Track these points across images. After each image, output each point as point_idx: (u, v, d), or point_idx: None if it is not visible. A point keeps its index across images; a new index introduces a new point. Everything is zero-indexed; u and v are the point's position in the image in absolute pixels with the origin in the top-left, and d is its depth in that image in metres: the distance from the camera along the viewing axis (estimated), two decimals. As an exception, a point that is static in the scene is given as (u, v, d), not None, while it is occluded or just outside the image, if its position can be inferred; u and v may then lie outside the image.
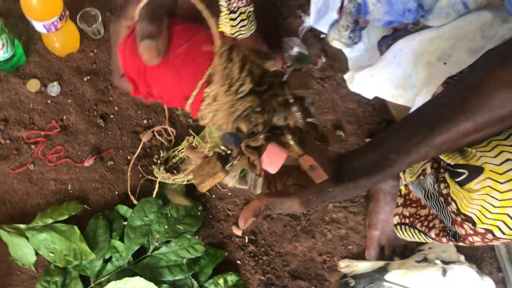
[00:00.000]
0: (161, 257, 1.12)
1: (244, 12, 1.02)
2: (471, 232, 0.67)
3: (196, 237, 1.14)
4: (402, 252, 1.17)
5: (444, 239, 0.76)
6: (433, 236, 0.80)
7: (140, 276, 1.08)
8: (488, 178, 0.61)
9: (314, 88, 1.33)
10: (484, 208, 0.62)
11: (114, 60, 0.52)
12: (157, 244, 1.12)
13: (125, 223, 1.15)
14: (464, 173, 0.63)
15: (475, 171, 0.62)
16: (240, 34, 1.08)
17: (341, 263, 1.18)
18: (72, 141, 1.25)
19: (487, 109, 0.55)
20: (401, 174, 0.91)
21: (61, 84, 1.30)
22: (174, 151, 1.22)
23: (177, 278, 1.11)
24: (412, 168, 0.86)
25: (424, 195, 0.78)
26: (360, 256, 1.19)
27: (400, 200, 0.95)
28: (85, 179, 1.22)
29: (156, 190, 1.17)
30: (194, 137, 1.22)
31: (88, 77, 1.30)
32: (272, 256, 1.18)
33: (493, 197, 0.61)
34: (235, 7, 0.99)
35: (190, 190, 1.19)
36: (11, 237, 1.13)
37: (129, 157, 1.24)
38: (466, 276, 1.09)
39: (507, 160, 0.59)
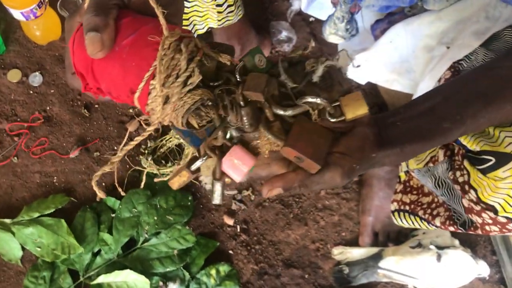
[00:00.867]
0: (151, 249, 1.10)
1: (230, -3, 0.99)
2: (490, 221, 0.65)
3: (187, 227, 1.12)
4: (396, 238, 1.15)
5: (451, 228, 0.74)
6: (438, 224, 0.78)
7: (130, 269, 1.06)
8: None
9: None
10: (511, 196, 0.60)
11: (67, 56, 0.50)
12: (146, 236, 1.10)
13: (113, 215, 1.13)
14: (490, 160, 0.61)
15: (504, 159, 0.59)
16: (227, 20, 1.05)
17: (335, 250, 1.16)
18: (57, 132, 1.21)
19: None
20: None
21: (43, 73, 1.26)
22: (161, 141, 1.19)
23: (168, 269, 1.08)
24: (418, 155, 0.83)
25: (434, 183, 0.76)
26: (353, 242, 1.17)
27: (399, 187, 0.93)
28: (71, 171, 1.19)
29: (144, 181, 1.14)
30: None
31: (71, 66, 1.26)
32: (264, 245, 1.17)
33: None
34: (220, -8, 0.95)
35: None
36: (-4, 233, 1.10)
37: (115, 148, 1.21)
38: (460, 260, 1.08)
39: None
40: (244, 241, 1.16)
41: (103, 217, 1.12)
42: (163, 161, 1.18)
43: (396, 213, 0.93)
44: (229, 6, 1.03)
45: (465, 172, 0.66)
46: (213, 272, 1.11)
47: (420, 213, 0.85)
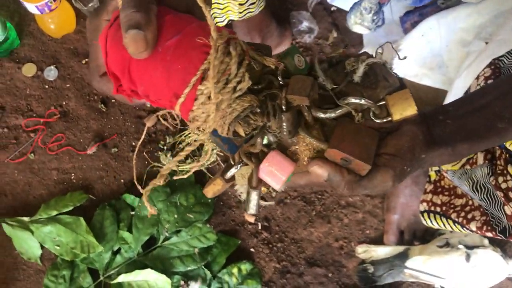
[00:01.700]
0: (172, 247, 1.08)
1: (252, -12, 0.95)
2: None
3: (207, 225, 1.10)
4: (422, 236, 1.12)
5: (489, 233, 0.70)
6: (474, 229, 0.74)
7: (151, 267, 1.04)
8: None
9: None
10: None
11: (93, 57, 0.45)
12: (167, 234, 1.08)
13: (133, 213, 1.10)
14: None
15: None
16: (249, 12, 1.01)
17: (359, 249, 1.13)
18: (73, 128, 1.19)
19: None
20: None
21: (58, 67, 1.23)
22: (180, 136, 1.16)
23: (189, 268, 1.06)
24: None
25: (472, 187, 0.72)
26: (378, 241, 1.14)
27: (429, 187, 0.89)
28: (88, 167, 1.17)
29: (164, 177, 1.11)
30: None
31: (87, 59, 1.23)
32: (286, 243, 1.14)
33: None
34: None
35: (198, 177, 1.14)
36: (14, 231, 1.09)
37: (133, 143, 1.18)
38: (490, 260, 1.04)
39: None
40: (265, 239, 1.14)
41: (122, 215, 1.10)
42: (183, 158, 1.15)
43: (425, 214, 0.90)
44: (251, -3, 0.99)
45: (509, 178, 0.62)
46: (235, 270, 1.09)
47: (453, 215, 0.81)
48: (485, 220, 0.72)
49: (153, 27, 0.40)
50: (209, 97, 0.42)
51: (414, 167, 0.49)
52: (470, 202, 0.78)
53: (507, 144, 0.62)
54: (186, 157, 1.14)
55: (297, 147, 0.51)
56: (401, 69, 1.01)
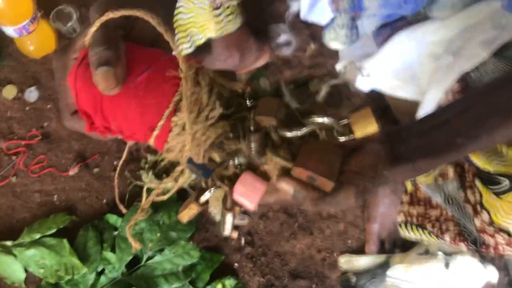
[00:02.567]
0: (156, 266, 1.09)
1: (228, 7, 0.96)
2: (503, 242, 0.63)
3: (191, 242, 1.11)
4: (403, 244, 1.14)
5: (462, 244, 0.72)
6: (448, 239, 0.76)
7: (136, 287, 1.05)
8: None
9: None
10: None
11: (62, 97, 0.46)
12: (150, 253, 1.09)
13: (116, 233, 1.11)
14: (503, 182, 0.59)
15: None
16: (226, 30, 1.02)
17: (341, 259, 1.15)
18: (55, 149, 1.19)
19: None
20: None
21: (39, 88, 1.23)
22: (162, 154, 1.17)
23: (173, 286, 1.07)
24: None
25: (444, 199, 0.74)
26: (360, 250, 1.16)
27: (405, 198, 0.91)
28: (71, 188, 1.17)
29: (144, 197, 1.12)
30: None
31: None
32: (270, 256, 1.15)
33: None
34: (218, 3, 0.93)
35: (181, 196, 1.15)
36: (-2, 255, 1.09)
37: (115, 163, 1.19)
38: (469, 266, 1.06)
39: None
40: (249, 253, 1.15)
41: (105, 235, 1.11)
42: (165, 175, 1.16)
43: (403, 225, 0.92)
44: (227, 15, 1.00)
45: (476, 191, 0.64)
46: (219, 286, 1.10)
47: (429, 226, 0.83)
48: (458, 230, 0.75)
49: (122, 63, 0.41)
50: (183, 128, 0.44)
51: (376, 183, 0.51)
52: (444, 213, 0.80)
53: (474, 158, 0.64)
54: (168, 174, 1.15)
55: (266, 166, 0.52)
56: (377, 81, 1.03)
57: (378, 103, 1.23)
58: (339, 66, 1.08)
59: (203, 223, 1.15)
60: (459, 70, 0.76)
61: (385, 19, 0.83)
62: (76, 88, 0.44)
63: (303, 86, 0.54)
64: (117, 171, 1.17)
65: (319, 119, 0.50)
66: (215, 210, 0.57)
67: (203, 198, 0.54)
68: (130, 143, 1.19)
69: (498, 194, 0.59)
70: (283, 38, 1.30)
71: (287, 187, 0.50)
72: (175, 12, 0.89)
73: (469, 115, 0.53)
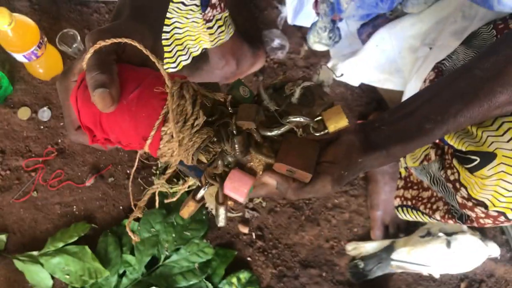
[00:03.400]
0: (173, 264, 1.15)
1: (220, 19, 1.03)
2: (483, 215, 0.68)
3: (204, 240, 1.17)
4: (406, 228, 1.19)
5: (450, 221, 0.78)
6: (438, 218, 0.81)
7: (156, 286, 1.12)
8: (502, 163, 0.61)
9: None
10: (498, 192, 0.64)
11: (67, 114, 0.53)
12: (167, 253, 1.15)
13: (134, 237, 1.18)
14: (475, 160, 0.64)
15: (487, 158, 0.63)
16: (219, 40, 1.09)
17: (348, 246, 1.21)
18: (71, 163, 1.27)
19: None
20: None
21: (50, 108, 1.31)
22: (171, 160, 1.24)
23: (191, 283, 1.14)
24: (414, 153, 0.87)
25: (430, 180, 0.79)
26: (366, 237, 1.22)
27: (400, 183, 0.97)
28: (88, 198, 1.24)
29: (157, 200, 1.19)
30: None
31: (77, 98, 1.31)
32: (280, 248, 1.21)
33: (507, 181, 0.62)
34: (210, 16, 0.99)
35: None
36: (26, 265, 1.16)
37: (128, 171, 1.26)
38: (470, 244, 1.11)
39: None
40: (260, 247, 1.21)
41: (124, 240, 1.18)
42: (175, 179, 1.22)
43: (399, 209, 0.97)
44: (219, 27, 1.07)
45: (455, 170, 0.70)
46: (234, 280, 1.16)
47: (421, 207, 0.89)
48: (446, 209, 0.80)
49: (116, 84, 0.48)
50: (172, 136, 0.50)
51: (351, 171, 0.57)
52: (435, 194, 0.85)
53: (449, 140, 0.69)
54: (178, 179, 1.22)
55: (252, 163, 0.59)
56: (365, 76, 1.08)
57: (373, 95, 1.29)
58: (330, 64, 1.14)
59: (215, 222, 1.22)
60: (434, 60, 0.82)
61: (364, 18, 0.89)
62: (78, 106, 0.51)
63: (280, 90, 0.60)
64: (130, 179, 1.24)
65: (295, 118, 0.56)
66: (211, 205, 0.63)
67: (198, 195, 0.62)
68: (140, 152, 1.27)
69: (471, 171, 0.64)
70: (276, 42, 1.37)
71: (270, 181, 0.57)
72: (171, 27, 0.96)
73: (435, 102, 0.59)
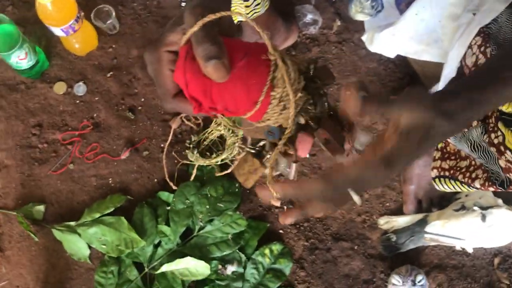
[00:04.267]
0: (207, 235, 1.17)
1: (256, -9, 1.03)
2: None
3: (237, 212, 1.19)
4: (439, 203, 1.19)
5: (491, 188, 0.78)
6: (478, 186, 0.81)
7: (190, 256, 1.14)
8: None
9: (332, 53, 1.34)
10: None
11: (161, 84, 0.53)
12: (201, 224, 1.17)
13: (168, 208, 1.20)
14: None
15: None
16: (255, 12, 1.09)
17: (381, 220, 1.21)
18: (106, 137, 1.29)
19: None
20: None
21: (86, 83, 1.33)
22: (204, 134, 1.25)
23: (225, 253, 1.16)
24: None
25: (470, 147, 0.79)
26: (398, 212, 1.22)
27: (437, 154, 0.97)
28: (124, 171, 1.27)
29: (194, 174, 1.21)
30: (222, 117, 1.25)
31: (111, 73, 1.33)
32: (312, 222, 1.22)
33: None
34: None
35: (224, 170, 1.23)
36: (64, 235, 1.20)
37: (162, 145, 1.28)
38: (505, 218, 1.11)
39: None
40: (292, 220, 1.22)
41: (159, 211, 1.20)
42: (208, 153, 1.24)
43: (437, 180, 0.97)
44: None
45: (499, 133, 0.69)
46: (267, 251, 1.18)
47: (460, 177, 0.88)
48: (486, 176, 0.79)
49: (226, 55, 0.49)
50: (280, 100, 0.53)
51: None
52: (473, 163, 0.85)
53: None
54: (211, 152, 1.23)
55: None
56: (402, 48, 1.08)
57: (405, 70, 1.29)
58: (364, 38, 1.14)
59: (247, 195, 1.23)
60: (479, 25, 0.81)
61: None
62: (186, 78, 0.53)
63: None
64: (164, 153, 1.26)
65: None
66: (282, 165, 0.66)
67: (267, 160, 0.64)
68: (174, 126, 1.28)
69: None
70: (309, 17, 1.36)
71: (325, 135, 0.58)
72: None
73: (508, 56, 0.55)
